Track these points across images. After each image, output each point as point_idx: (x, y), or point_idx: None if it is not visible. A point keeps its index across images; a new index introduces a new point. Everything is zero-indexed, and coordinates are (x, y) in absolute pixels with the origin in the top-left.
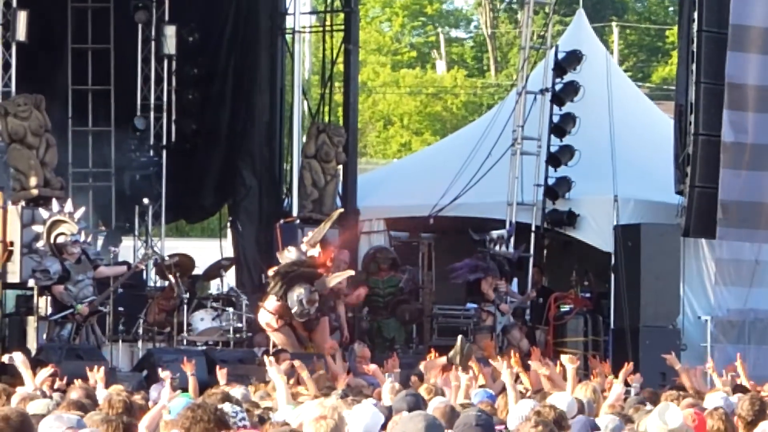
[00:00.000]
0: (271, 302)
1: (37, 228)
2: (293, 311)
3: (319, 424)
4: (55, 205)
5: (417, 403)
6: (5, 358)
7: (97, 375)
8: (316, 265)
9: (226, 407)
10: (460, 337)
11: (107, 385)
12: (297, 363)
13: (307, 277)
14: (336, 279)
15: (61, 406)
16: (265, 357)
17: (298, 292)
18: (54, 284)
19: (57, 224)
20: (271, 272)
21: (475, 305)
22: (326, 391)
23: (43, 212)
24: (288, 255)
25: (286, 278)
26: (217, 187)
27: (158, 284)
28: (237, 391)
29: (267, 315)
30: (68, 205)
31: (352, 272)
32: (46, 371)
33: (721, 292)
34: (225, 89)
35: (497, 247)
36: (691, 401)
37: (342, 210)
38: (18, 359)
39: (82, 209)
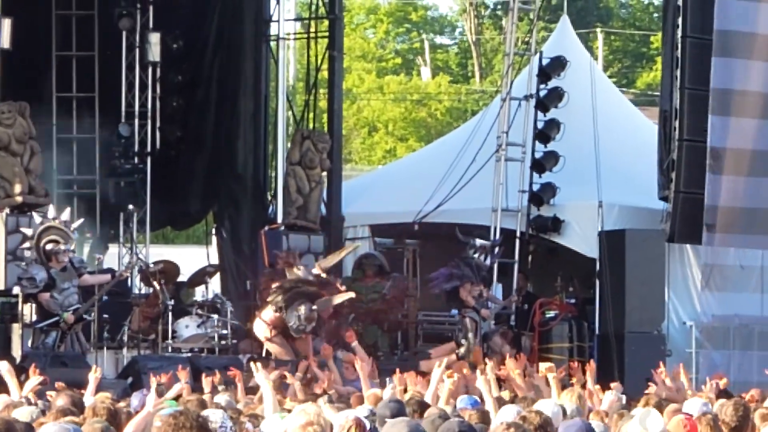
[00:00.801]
0: (268, 312)
1: (27, 232)
2: (290, 325)
3: (305, 430)
4: (51, 211)
5: (400, 410)
6: None
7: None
8: (321, 286)
9: (215, 415)
10: (470, 334)
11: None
12: (287, 372)
13: (309, 295)
14: (339, 299)
15: (49, 414)
16: (252, 364)
17: (299, 309)
18: (40, 292)
19: (48, 231)
20: (274, 285)
21: (457, 311)
22: (312, 398)
23: (36, 217)
24: (296, 272)
25: (289, 293)
26: (203, 194)
27: (143, 291)
28: (221, 397)
29: (262, 325)
30: (65, 214)
31: (353, 294)
32: (35, 380)
33: (706, 297)
34: (209, 96)
35: (477, 255)
36: (675, 407)
37: (359, 245)
38: (3, 368)
39: (81, 221)
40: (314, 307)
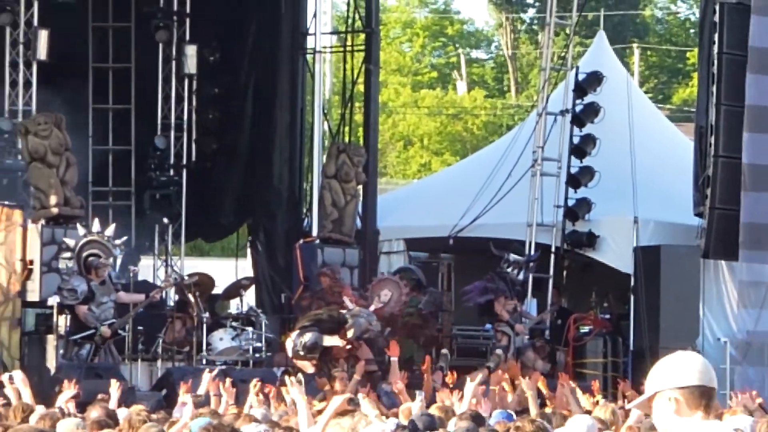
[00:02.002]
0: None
1: (70, 242)
2: (291, 347)
3: None
4: (96, 224)
5: (432, 423)
6: (5, 377)
7: (112, 390)
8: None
9: (251, 428)
10: (498, 350)
11: (127, 404)
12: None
13: (325, 328)
14: (330, 342)
15: (86, 425)
16: (286, 377)
17: (304, 336)
18: (79, 304)
19: (91, 244)
20: (313, 312)
21: (491, 326)
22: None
23: (80, 229)
24: (346, 300)
25: (310, 320)
26: (237, 207)
27: (176, 303)
28: (257, 411)
29: (290, 343)
30: (110, 229)
31: (341, 342)
32: (69, 393)
33: (741, 313)
34: (245, 109)
35: (511, 270)
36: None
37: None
38: (17, 377)
39: (124, 238)
40: (318, 342)
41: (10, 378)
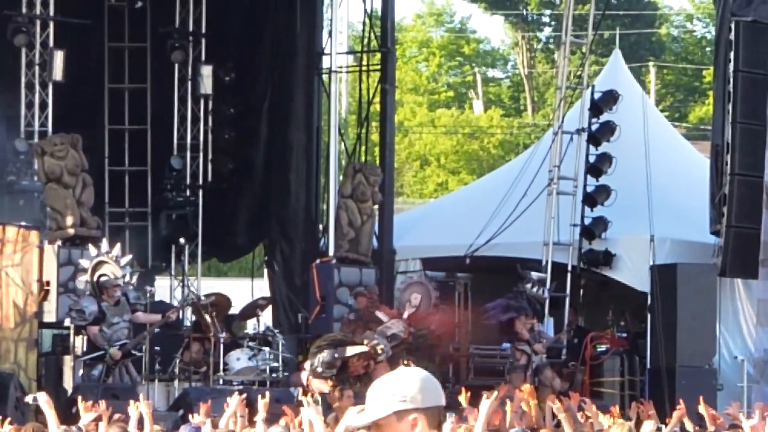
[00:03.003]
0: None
1: (85, 264)
2: (311, 366)
3: None
4: (104, 245)
5: None
6: (29, 398)
7: (143, 409)
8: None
9: None
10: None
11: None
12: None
13: (339, 344)
14: (354, 350)
15: None
16: (303, 398)
17: (322, 353)
18: (89, 325)
19: (101, 265)
20: (329, 336)
21: (509, 345)
22: None
23: (92, 249)
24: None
25: (330, 342)
26: (252, 226)
27: (193, 323)
28: (276, 430)
29: (305, 374)
30: (116, 249)
31: (366, 349)
32: (92, 414)
33: (758, 332)
34: (261, 128)
35: (534, 289)
36: None
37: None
38: (42, 399)
39: (130, 256)
40: (337, 354)
41: (34, 399)
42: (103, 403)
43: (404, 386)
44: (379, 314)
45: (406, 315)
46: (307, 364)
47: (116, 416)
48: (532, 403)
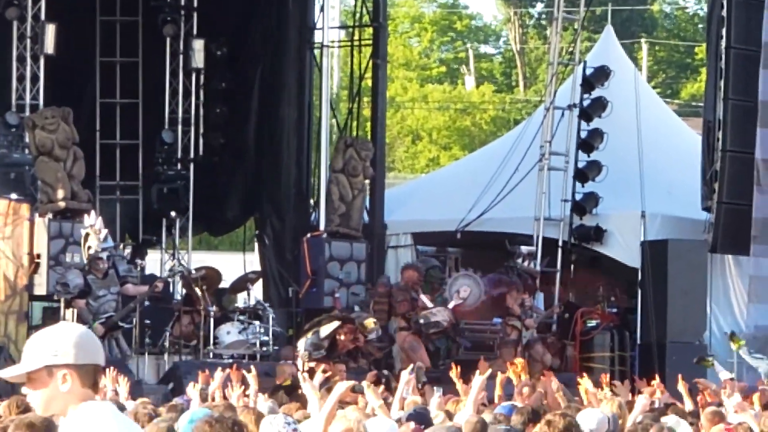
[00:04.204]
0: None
1: (83, 233)
2: (301, 355)
3: None
4: (92, 217)
5: (424, 417)
6: None
7: (119, 386)
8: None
9: (276, 420)
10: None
11: (134, 398)
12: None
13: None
14: (328, 328)
15: None
16: (300, 374)
17: (307, 335)
18: (75, 298)
19: (88, 237)
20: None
21: (500, 320)
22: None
23: (85, 221)
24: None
25: (312, 325)
26: (244, 201)
27: (183, 297)
28: (264, 404)
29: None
30: (99, 222)
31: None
32: None
33: (748, 308)
34: (253, 103)
35: (525, 263)
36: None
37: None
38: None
39: (106, 231)
40: (321, 335)
41: None
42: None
43: (58, 341)
44: (424, 299)
45: (452, 305)
46: (299, 349)
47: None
48: (524, 378)
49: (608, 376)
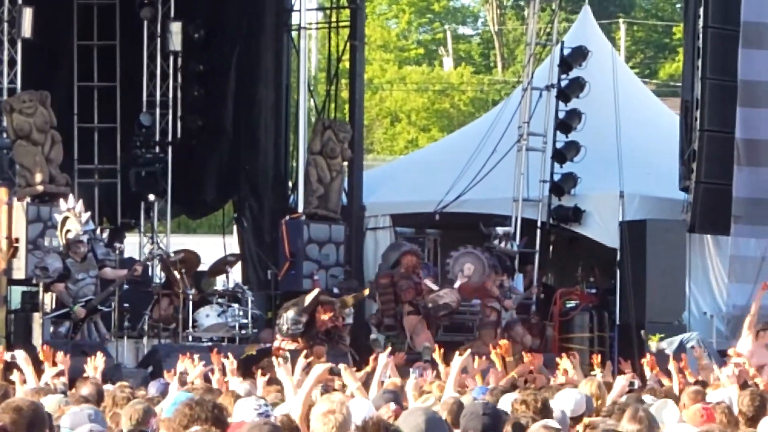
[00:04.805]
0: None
1: (58, 218)
2: (279, 327)
3: (327, 418)
4: (71, 200)
5: (395, 400)
6: (7, 356)
7: (96, 363)
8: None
9: (248, 402)
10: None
11: (113, 381)
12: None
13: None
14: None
15: (72, 401)
16: (274, 358)
17: (288, 311)
18: (54, 282)
19: (66, 220)
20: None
21: (478, 301)
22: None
23: (62, 205)
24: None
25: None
26: (221, 183)
27: (163, 280)
28: (241, 387)
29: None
30: (78, 205)
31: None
32: (53, 370)
33: (727, 288)
34: (230, 86)
35: (502, 244)
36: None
37: (367, 293)
38: (20, 357)
39: (88, 213)
40: (300, 309)
41: (12, 357)
42: (61, 355)
43: None
44: (428, 282)
45: (457, 285)
46: (276, 329)
47: (87, 374)
48: (509, 360)
49: (599, 356)
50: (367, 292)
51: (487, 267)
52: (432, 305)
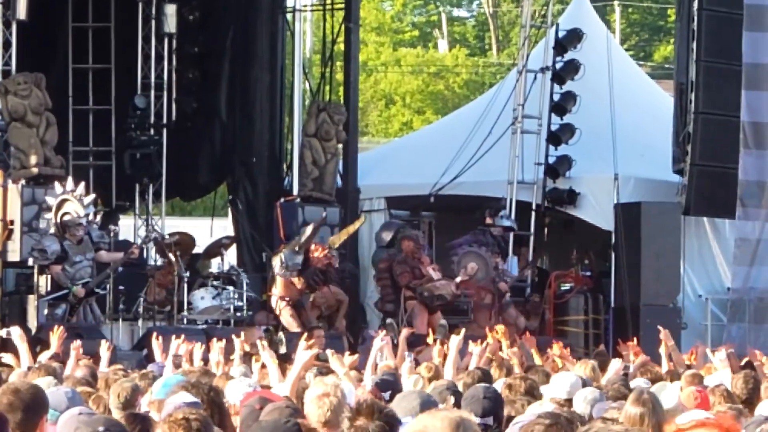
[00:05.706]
0: (277, 286)
1: (51, 201)
2: (275, 270)
3: (321, 401)
4: (69, 183)
5: (394, 383)
6: (2, 333)
7: (102, 350)
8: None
9: (242, 383)
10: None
11: (108, 364)
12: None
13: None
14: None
15: (65, 384)
16: (258, 341)
17: (283, 251)
18: (51, 264)
19: (64, 203)
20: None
21: None
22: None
23: (57, 187)
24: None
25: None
26: (215, 165)
27: (158, 263)
28: (236, 369)
29: (274, 299)
30: (80, 188)
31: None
32: (47, 353)
33: (722, 270)
34: (225, 68)
35: (505, 221)
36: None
37: (364, 221)
38: (15, 333)
39: (93, 196)
40: (295, 247)
41: (8, 333)
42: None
43: None
44: (431, 271)
45: (458, 280)
46: (275, 262)
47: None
48: (506, 343)
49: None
50: (362, 219)
51: (491, 270)
52: (428, 294)
